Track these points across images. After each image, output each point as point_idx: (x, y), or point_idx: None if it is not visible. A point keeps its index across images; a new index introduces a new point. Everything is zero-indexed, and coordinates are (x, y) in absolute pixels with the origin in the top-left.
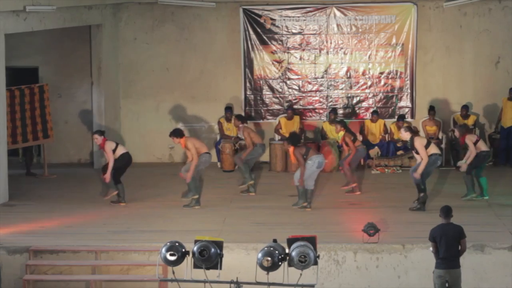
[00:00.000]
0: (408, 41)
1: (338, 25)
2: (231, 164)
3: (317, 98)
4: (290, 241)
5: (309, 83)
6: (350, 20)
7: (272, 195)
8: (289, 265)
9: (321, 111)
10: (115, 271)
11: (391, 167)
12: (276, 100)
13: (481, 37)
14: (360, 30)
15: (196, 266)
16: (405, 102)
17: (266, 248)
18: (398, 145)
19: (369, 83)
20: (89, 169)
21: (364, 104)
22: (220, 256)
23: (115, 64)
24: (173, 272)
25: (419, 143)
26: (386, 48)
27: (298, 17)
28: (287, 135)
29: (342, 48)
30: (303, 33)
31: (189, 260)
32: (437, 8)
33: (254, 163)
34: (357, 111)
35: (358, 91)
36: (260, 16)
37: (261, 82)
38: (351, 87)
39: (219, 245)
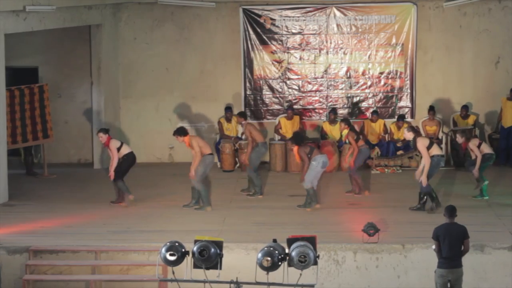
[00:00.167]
0: (408, 41)
1: (338, 25)
2: (231, 164)
3: (317, 98)
4: (290, 241)
5: (309, 83)
6: (350, 20)
7: (272, 195)
8: (289, 265)
9: (321, 111)
10: (115, 271)
11: (391, 167)
12: (276, 100)
13: (481, 37)
14: (360, 30)
15: (196, 266)
16: (405, 102)
17: (266, 248)
18: (398, 145)
19: (369, 83)
20: (89, 169)
21: (364, 104)
22: (220, 256)
23: (115, 64)
24: (173, 272)
25: (421, 144)
26: (386, 48)
27: (298, 17)
28: (287, 135)
29: (342, 48)
30: (303, 33)
31: (189, 260)
32: (437, 8)
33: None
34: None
35: (358, 91)
36: (260, 16)
37: (261, 82)
38: (351, 87)
39: (219, 245)
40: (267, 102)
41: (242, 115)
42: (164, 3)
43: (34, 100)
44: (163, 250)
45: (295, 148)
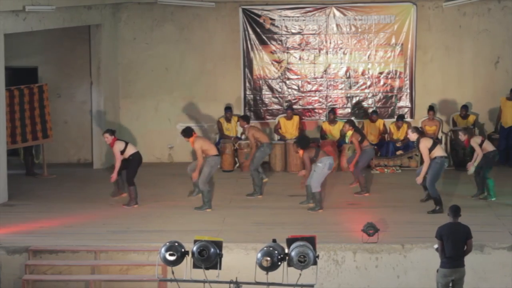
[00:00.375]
0: (408, 41)
1: (337, 25)
2: (230, 164)
3: (316, 98)
4: (290, 241)
5: (309, 83)
6: (350, 20)
7: (271, 195)
8: (289, 265)
9: (320, 111)
10: (115, 271)
11: (391, 167)
12: (276, 100)
13: (481, 37)
14: (359, 30)
15: (195, 266)
16: (404, 102)
17: (265, 248)
18: (398, 145)
19: (368, 83)
20: (89, 169)
21: (364, 104)
22: (220, 256)
23: (115, 64)
24: (173, 272)
25: (423, 145)
26: (386, 48)
27: (298, 17)
28: (286, 135)
29: (341, 48)
30: (302, 33)
31: (188, 260)
32: (436, 8)
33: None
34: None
35: (358, 91)
36: (259, 16)
37: (260, 82)
38: (350, 87)
39: (218, 245)
40: (266, 102)
41: (245, 118)
42: (164, 3)
43: (34, 100)
44: (163, 250)
45: (301, 152)
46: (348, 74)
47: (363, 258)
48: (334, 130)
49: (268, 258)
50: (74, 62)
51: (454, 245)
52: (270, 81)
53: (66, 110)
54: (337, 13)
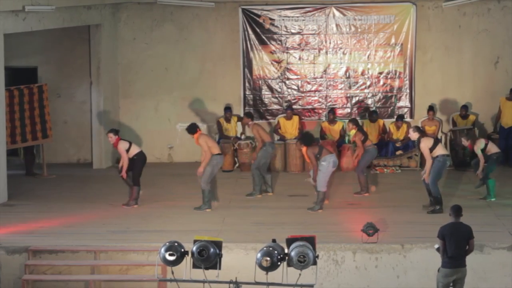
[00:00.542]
0: (407, 41)
1: (337, 25)
2: (230, 164)
3: (316, 98)
4: (289, 241)
5: (308, 83)
6: (349, 20)
7: (271, 195)
8: (288, 265)
9: (320, 111)
10: (114, 271)
11: (390, 167)
12: (275, 100)
13: (480, 37)
14: (359, 30)
15: (195, 266)
16: (404, 102)
17: (265, 248)
18: (397, 145)
19: (368, 83)
20: (88, 169)
21: (364, 104)
22: (219, 256)
23: (114, 64)
24: (172, 272)
25: (424, 145)
26: (385, 48)
27: (297, 17)
28: (286, 135)
29: (341, 48)
30: (302, 33)
31: (188, 260)
32: (436, 8)
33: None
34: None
35: (357, 91)
36: (259, 16)
37: (260, 82)
38: (350, 87)
39: (218, 245)
40: (266, 102)
41: (249, 115)
42: (164, 3)
43: (34, 100)
44: (163, 250)
45: (304, 149)
46: (347, 74)
47: (362, 258)
48: (333, 130)
49: (268, 258)
50: (74, 62)
51: (457, 245)
52: (269, 81)
53: (65, 110)
54: (337, 13)
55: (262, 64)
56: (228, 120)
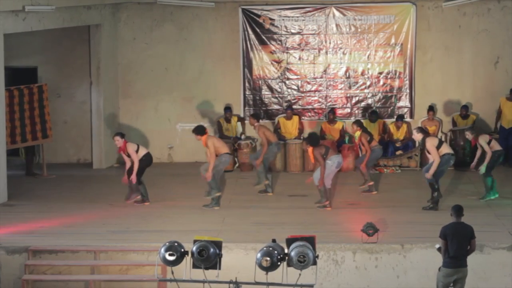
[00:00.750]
0: (407, 41)
1: (337, 25)
2: (230, 164)
3: (316, 98)
4: (289, 241)
5: (308, 83)
6: (349, 20)
7: (271, 195)
8: (288, 265)
9: (320, 111)
10: (114, 271)
11: (390, 167)
12: (275, 100)
13: (480, 37)
14: (359, 30)
15: (195, 266)
16: (404, 102)
17: (265, 248)
18: (397, 145)
19: (368, 83)
20: (88, 169)
21: (363, 104)
22: (219, 256)
23: (114, 64)
24: (172, 272)
25: (431, 144)
26: (385, 48)
27: (297, 17)
28: (286, 135)
29: (341, 48)
30: (302, 33)
31: (188, 260)
32: (436, 8)
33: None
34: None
35: (357, 91)
36: (259, 16)
37: (260, 82)
38: (350, 87)
39: (218, 245)
40: (266, 102)
41: (255, 116)
42: (163, 3)
43: (33, 100)
44: (162, 250)
45: (310, 149)
46: (347, 74)
47: (362, 258)
48: (333, 130)
49: (268, 258)
50: (74, 62)
51: (458, 245)
52: (269, 81)
53: (65, 110)
54: (337, 13)
55: (262, 64)
56: (228, 120)
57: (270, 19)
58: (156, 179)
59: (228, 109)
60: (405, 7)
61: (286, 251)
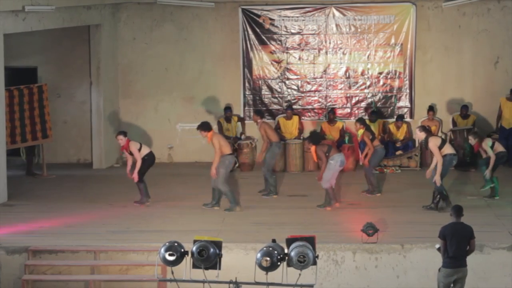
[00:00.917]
0: (407, 41)
1: (337, 25)
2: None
3: (316, 98)
4: (289, 241)
5: (308, 83)
6: (349, 20)
7: (275, 197)
8: (288, 265)
9: (320, 111)
10: (114, 271)
11: (390, 167)
12: (275, 100)
13: (480, 37)
14: (359, 30)
15: (195, 266)
16: (404, 102)
17: (265, 248)
18: (397, 145)
19: (368, 83)
20: (88, 169)
21: (363, 104)
22: (219, 256)
23: (114, 64)
24: (172, 272)
25: (433, 144)
26: (385, 48)
27: (297, 17)
28: (286, 135)
29: (341, 48)
30: (302, 33)
31: (188, 260)
32: (436, 8)
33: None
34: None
35: (357, 91)
36: (259, 16)
37: (260, 82)
38: (350, 87)
39: (218, 245)
40: (266, 102)
41: (258, 113)
42: (163, 3)
43: (33, 100)
44: (162, 250)
45: (313, 148)
46: (347, 74)
47: (362, 258)
48: (333, 130)
49: (268, 258)
50: (74, 62)
51: (458, 245)
52: (269, 81)
53: (65, 110)
54: (337, 13)
55: (262, 64)
56: (228, 120)
57: (270, 19)
58: (156, 179)
59: (228, 109)
60: (405, 7)
61: (286, 251)
